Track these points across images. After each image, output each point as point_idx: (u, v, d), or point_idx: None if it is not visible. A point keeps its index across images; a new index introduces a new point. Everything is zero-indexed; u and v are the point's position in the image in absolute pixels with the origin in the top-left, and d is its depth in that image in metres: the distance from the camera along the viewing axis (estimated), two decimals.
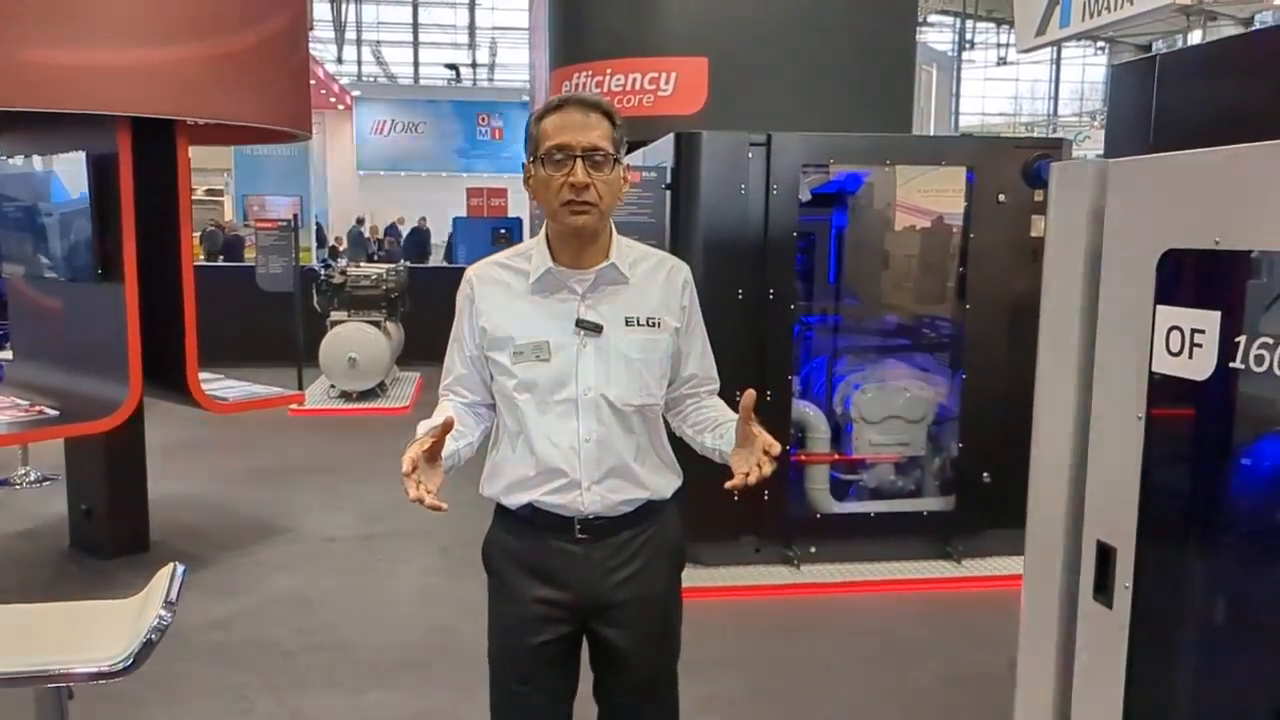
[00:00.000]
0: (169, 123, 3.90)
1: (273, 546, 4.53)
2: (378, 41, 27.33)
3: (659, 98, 6.85)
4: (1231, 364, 1.21)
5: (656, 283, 1.78)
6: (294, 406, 7.21)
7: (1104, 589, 1.44)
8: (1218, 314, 1.24)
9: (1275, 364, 1.16)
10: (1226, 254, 1.22)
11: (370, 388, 7.79)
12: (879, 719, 3.02)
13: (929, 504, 4.36)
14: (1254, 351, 1.19)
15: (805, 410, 4.33)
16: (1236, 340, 1.21)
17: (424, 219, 17.60)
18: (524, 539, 1.78)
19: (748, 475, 1.61)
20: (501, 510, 1.82)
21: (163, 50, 3.60)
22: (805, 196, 4.20)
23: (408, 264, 10.01)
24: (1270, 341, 1.17)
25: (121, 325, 3.83)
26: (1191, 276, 1.29)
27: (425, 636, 3.57)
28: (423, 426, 1.68)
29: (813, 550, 4.21)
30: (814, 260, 4.56)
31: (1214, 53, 1.48)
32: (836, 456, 4.37)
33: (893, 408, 4.31)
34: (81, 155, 3.82)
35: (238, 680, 3.20)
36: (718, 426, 1.81)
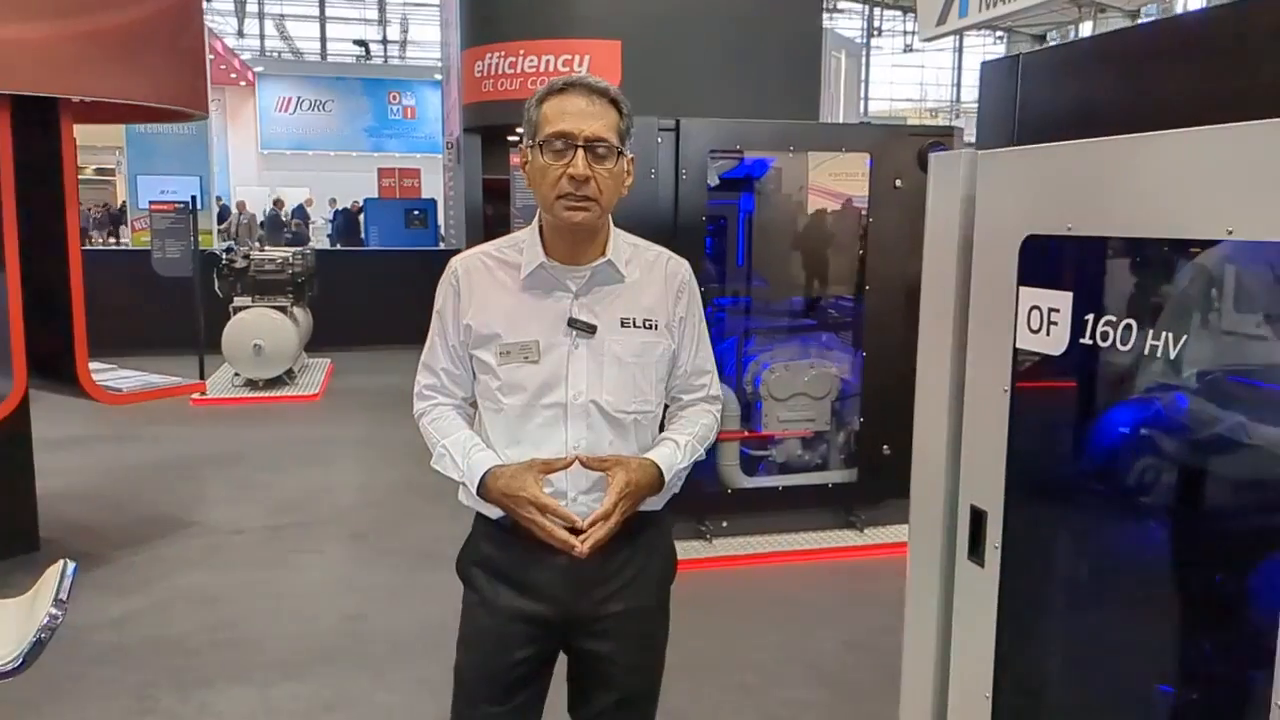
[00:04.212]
0: (52, 101, 3.71)
1: (175, 541, 4.39)
2: (281, 15, 26.34)
3: None
4: (1081, 340, 1.32)
5: (654, 280, 1.68)
6: (196, 396, 7.00)
7: (977, 550, 1.55)
8: (1070, 294, 1.34)
9: (1117, 340, 1.27)
10: (1078, 239, 1.33)
11: (277, 375, 7.59)
12: (786, 683, 3.15)
13: (833, 476, 4.52)
14: (1100, 329, 1.30)
15: None
16: (1086, 318, 1.32)
17: (355, 202, 17.08)
18: (505, 550, 1.66)
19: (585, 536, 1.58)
20: (481, 519, 1.70)
21: (42, 25, 3.42)
22: (714, 181, 4.28)
23: (340, 248, 9.74)
24: (1113, 320, 1.28)
25: (2, 313, 3.64)
26: (1048, 260, 1.39)
27: (337, 626, 3.54)
28: (455, 446, 1.63)
29: (724, 524, 4.33)
30: (724, 243, 4.65)
31: (1069, 53, 1.58)
32: (747, 434, 4.49)
33: (799, 385, 4.44)
34: None
35: (138, 680, 3.12)
36: (657, 443, 1.71)
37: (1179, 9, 18.99)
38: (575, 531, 1.58)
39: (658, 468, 1.64)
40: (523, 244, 1.65)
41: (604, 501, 1.58)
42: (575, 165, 1.53)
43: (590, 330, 1.61)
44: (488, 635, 1.70)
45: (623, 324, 1.63)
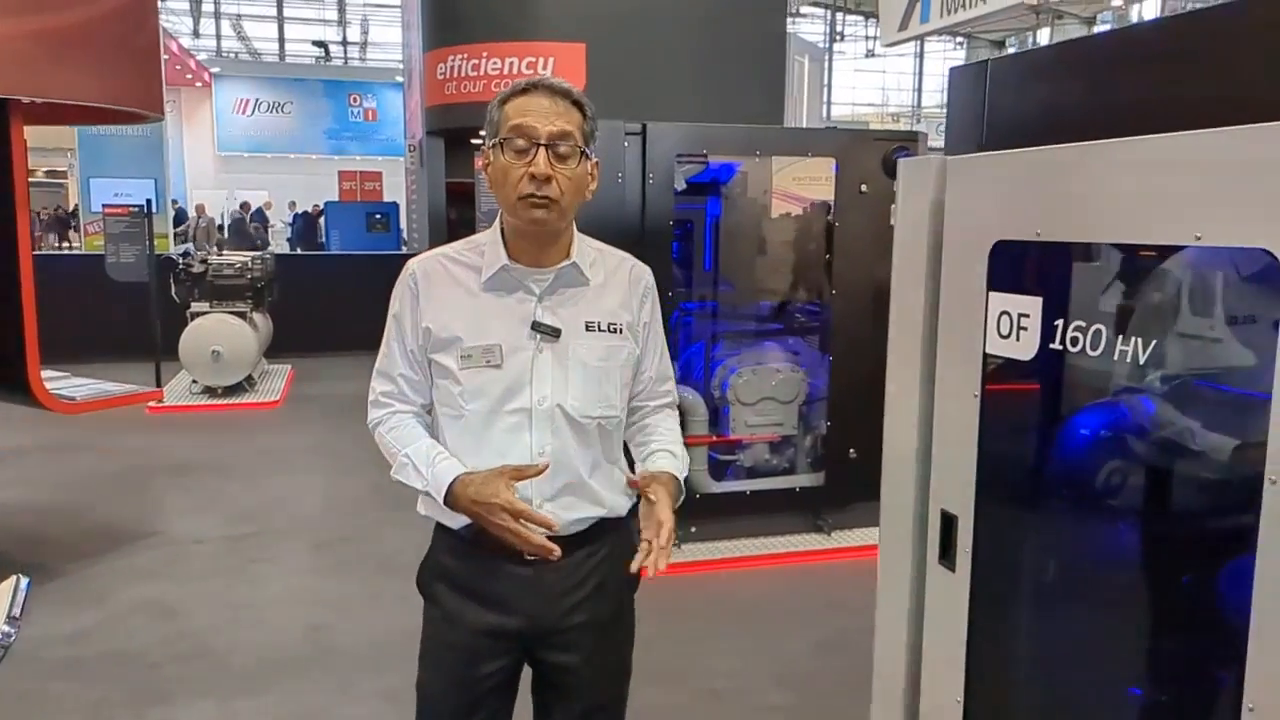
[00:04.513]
0: (2, 101, 3.60)
1: (132, 553, 4.28)
2: (238, 15, 25.90)
3: None
4: (1051, 345, 1.33)
5: (619, 284, 1.66)
6: (152, 404, 6.83)
7: (948, 554, 1.55)
8: (1040, 300, 1.35)
9: (1087, 345, 1.28)
10: (1046, 245, 1.34)
11: (237, 382, 7.45)
12: (756, 688, 3.14)
13: (801, 480, 4.54)
14: (1070, 334, 1.31)
15: (684, 394, 4.42)
16: (1055, 324, 1.33)
17: (315, 205, 16.84)
18: (467, 562, 1.62)
19: (644, 560, 1.53)
20: (442, 530, 1.66)
21: None
22: (681, 185, 4.28)
23: (298, 251, 9.60)
24: (1083, 325, 1.29)
25: None
26: (1017, 265, 1.40)
27: (299, 638, 3.47)
28: (418, 455, 1.58)
29: (693, 530, 4.32)
30: (691, 248, 4.65)
31: (1037, 59, 1.60)
32: (715, 438, 4.49)
33: (766, 390, 4.46)
34: None
35: (95, 696, 3.03)
36: (650, 455, 1.71)
37: (1134, 16, 19.47)
38: (552, 537, 1.55)
39: (677, 480, 1.65)
40: (483, 246, 1.62)
41: (664, 525, 1.54)
42: (536, 164, 1.50)
43: (555, 334, 1.58)
44: (452, 650, 1.66)
45: (588, 328, 1.61)
